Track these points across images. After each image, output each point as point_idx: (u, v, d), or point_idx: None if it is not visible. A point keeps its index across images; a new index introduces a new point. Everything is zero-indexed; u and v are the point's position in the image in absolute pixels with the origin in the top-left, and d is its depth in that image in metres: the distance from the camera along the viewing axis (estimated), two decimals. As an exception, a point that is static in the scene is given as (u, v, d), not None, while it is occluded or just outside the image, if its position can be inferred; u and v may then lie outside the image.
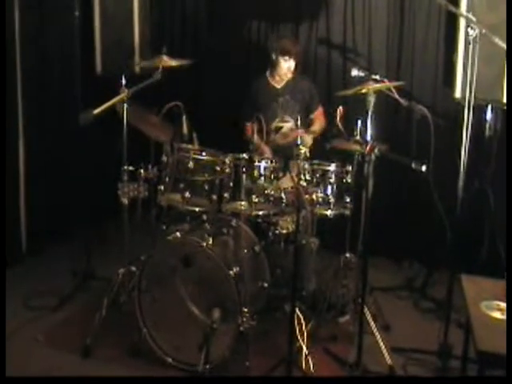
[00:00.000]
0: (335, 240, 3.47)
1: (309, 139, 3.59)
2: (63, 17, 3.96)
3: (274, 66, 3.85)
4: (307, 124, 3.86)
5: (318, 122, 3.91)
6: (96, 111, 2.81)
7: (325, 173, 3.19)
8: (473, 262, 3.55)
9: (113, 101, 2.88)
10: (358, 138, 2.97)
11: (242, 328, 2.67)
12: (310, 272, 3.35)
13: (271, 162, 3.13)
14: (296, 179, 2.79)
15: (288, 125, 3.84)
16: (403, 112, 4.11)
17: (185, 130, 3.15)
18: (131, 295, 2.95)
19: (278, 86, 3.91)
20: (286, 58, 3.76)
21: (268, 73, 3.92)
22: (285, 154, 3.38)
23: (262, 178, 3.07)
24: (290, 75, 3.88)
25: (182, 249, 2.81)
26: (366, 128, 2.92)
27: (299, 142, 2.81)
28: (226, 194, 3.08)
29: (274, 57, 3.81)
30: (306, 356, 2.83)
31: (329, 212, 3.17)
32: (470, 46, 2.72)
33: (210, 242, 2.79)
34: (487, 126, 3.68)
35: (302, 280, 3.28)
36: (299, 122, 2.96)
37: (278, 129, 3.82)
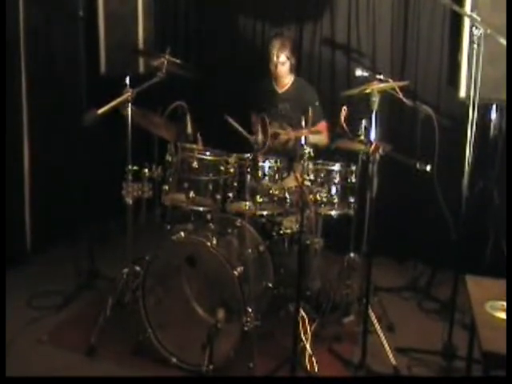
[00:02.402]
0: (339, 240, 3.47)
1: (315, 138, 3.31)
2: (67, 17, 3.97)
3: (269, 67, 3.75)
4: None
5: (321, 133, 3.65)
6: (100, 111, 2.80)
7: (329, 173, 3.18)
8: (477, 262, 3.54)
9: (117, 101, 2.88)
10: (362, 137, 2.97)
11: (246, 328, 2.67)
12: (314, 272, 3.35)
13: (275, 161, 3.13)
14: (300, 179, 2.79)
15: (285, 133, 3.65)
16: (408, 112, 4.11)
17: (189, 129, 3.15)
18: (135, 295, 2.95)
19: (279, 91, 3.82)
20: (272, 55, 3.64)
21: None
22: (289, 154, 3.38)
23: (267, 178, 3.08)
24: (283, 75, 3.74)
25: (187, 248, 2.81)
26: (371, 128, 2.91)
27: (304, 142, 2.80)
28: (230, 194, 3.09)
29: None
30: (310, 356, 2.83)
31: (333, 212, 3.17)
32: (475, 46, 2.72)
33: (215, 241, 2.79)
34: (492, 125, 3.67)
35: (306, 280, 3.27)
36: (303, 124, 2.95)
37: (276, 135, 3.63)
